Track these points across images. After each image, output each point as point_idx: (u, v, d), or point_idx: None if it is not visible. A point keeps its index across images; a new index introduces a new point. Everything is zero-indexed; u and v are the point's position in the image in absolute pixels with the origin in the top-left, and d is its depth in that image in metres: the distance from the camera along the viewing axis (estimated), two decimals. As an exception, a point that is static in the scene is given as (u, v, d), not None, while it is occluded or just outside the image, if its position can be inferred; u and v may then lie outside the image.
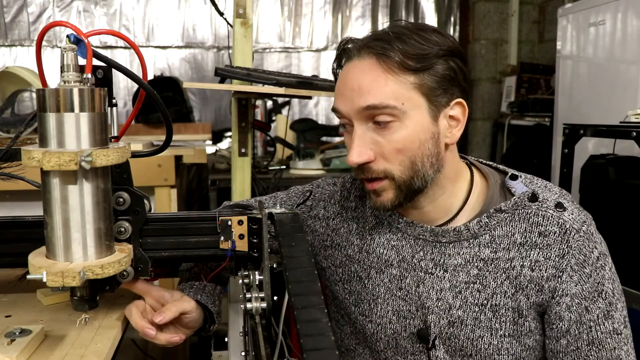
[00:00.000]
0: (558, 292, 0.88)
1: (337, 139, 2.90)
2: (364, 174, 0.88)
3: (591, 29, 2.59)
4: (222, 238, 0.88)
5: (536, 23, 4.06)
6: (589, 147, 2.38)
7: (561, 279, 0.88)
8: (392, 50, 0.83)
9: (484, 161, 1.01)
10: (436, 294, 0.92)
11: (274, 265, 0.84)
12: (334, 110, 0.90)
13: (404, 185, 0.87)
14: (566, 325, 0.88)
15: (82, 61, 0.71)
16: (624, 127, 1.79)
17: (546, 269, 0.88)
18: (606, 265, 0.90)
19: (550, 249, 0.88)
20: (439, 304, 0.92)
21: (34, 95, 1.83)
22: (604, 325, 0.88)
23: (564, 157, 1.99)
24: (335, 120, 4.11)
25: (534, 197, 0.90)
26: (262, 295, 0.82)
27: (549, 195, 0.91)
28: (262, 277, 0.83)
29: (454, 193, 0.93)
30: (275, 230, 0.84)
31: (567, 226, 0.88)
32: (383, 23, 4.14)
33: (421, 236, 0.94)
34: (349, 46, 0.89)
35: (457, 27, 4.22)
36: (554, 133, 2.88)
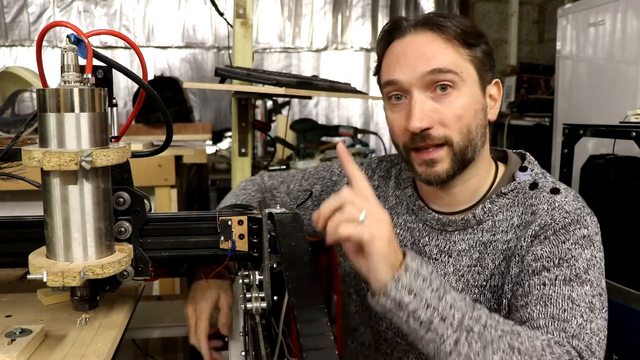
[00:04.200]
0: (528, 255, 0.86)
1: (337, 139, 2.89)
2: (423, 141, 0.88)
3: (591, 29, 2.59)
4: (222, 238, 0.89)
5: (536, 23, 4.06)
6: (588, 147, 2.38)
7: (532, 244, 0.86)
8: (450, 24, 0.89)
9: (516, 151, 1.04)
10: None
11: (274, 265, 0.84)
12: (386, 84, 0.92)
13: (459, 154, 0.89)
14: (518, 278, 0.86)
15: (82, 61, 0.71)
16: (623, 127, 1.79)
17: (526, 239, 0.87)
18: (587, 249, 0.85)
19: (536, 222, 0.88)
20: None
21: (34, 95, 1.83)
22: (560, 288, 0.81)
23: (564, 157, 1.99)
24: (335, 120, 4.12)
25: (533, 185, 0.93)
26: (262, 295, 0.82)
27: (548, 184, 0.94)
28: (262, 277, 0.83)
29: (482, 179, 0.97)
30: (275, 230, 0.84)
31: (556, 205, 0.89)
32: (383, 23, 4.14)
33: (428, 222, 0.97)
34: (400, 25, 0.93)
35: (457, 27, 4.22)
36: (554, 133, 2.88)
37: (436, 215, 0.96)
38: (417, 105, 0.87)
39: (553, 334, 0.76)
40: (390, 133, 0.96)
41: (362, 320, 1.06)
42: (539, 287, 0.82)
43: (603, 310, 0.82)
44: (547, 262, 0.84)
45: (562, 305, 0.79)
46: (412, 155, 0.91)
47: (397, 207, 1.03)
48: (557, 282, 0.82)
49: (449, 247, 0.95)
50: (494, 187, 0.97)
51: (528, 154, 1.02)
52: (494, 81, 0.95)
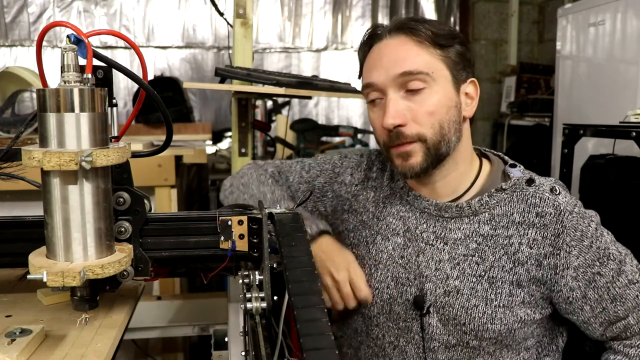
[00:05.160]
0: (559, 267, 0.95)
1: (337, 139, 2.90)
2: (397, 139, 0.95)
3: (591, 29, 2.59)
4: (222, 238, 0.88)
5: (536, 23, 4.06)
6: (588, 147, 2.38)
7: (559, 256, 0.95)
8: (423, 28, 0.95)
9: (494, 151, 1.10)
10: (435, 264, 0.99)
11: (274, 265, 0.84)
12: (365, 86, 1.00)
13: (433, 148, 0.95)
14: (580, 293, 0.95)
15: (82, 61, 0.71)
16: (623, 127, 1.78)
17: (543, 247, 0.95)
18: (604, 232, 0.98)
19: (547, 229, 0.95)
20: (437, 273, 0.98)
21: (34, 95, 1.83)
22: (619, 281, 0.95)
23: (564, 157, 1.99)
24: (335, 120, 4.12)
25: (530, 181, 0.99)
26: (262, 295, 0.82)
27: (544, 181, 1.00)
28: (262, 277, 0.83)
29: (464, 174, 1.02)
30: (275, 230, 0.84)
31: (562, 208, 0.96)
32: (384, 22, 4.15)
33: (426, 210, 1.02)
34: (378, 31, 1.00)
35: (457, 27, 4.22)
36: (554, 133, 2.88)
37: (434, 201, 1.01)
38: (391, 104, 0.95)
39: None
40: (373, 132, 1.03)
41: (352, 308, 1.08)
42: (606, 291, 0.95)
43: (639, 264, 0.99)
44: (592, 268, 0.95)
45: (632, 294, 0.95)
46: (391, 151, 0.98)
47: (391, 198, 1.08)
48: (614, 279, 0.95)
49: (445, 234, 0.99)
50: (479, 181, 1.03)
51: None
52: (469, 80, 1.00)
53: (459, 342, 0.97)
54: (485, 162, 1.06)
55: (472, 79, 1.01)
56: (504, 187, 0.98)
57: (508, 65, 3.94)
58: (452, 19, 4.22)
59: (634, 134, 1.66)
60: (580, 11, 2.68)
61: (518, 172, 1.02)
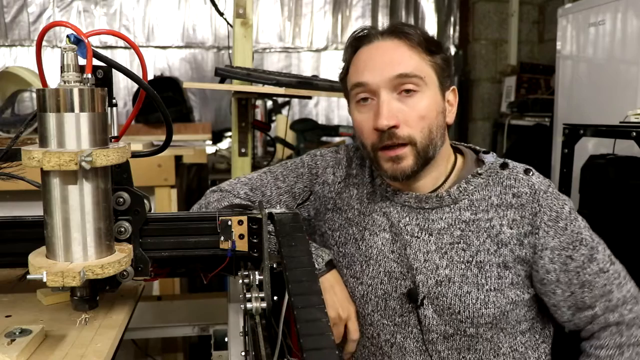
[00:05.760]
0: (538, 247, 0.97)
1: (337, 139, 2.90)
2: (390, 139, 0.95)
3: (591, 29, 2.59)
4: (222, 238, 0.88)
5: (536, 23, 4.06)
6: (589, 147, 2.37)
7: (538, 235, 0.97)
8: (414, 33, 0.98)
9: (463, 144, 1.13)
10: (423, 255, 1.00)
11: (274, 265, 0.84)
12: (355, 85, 0.99)
13: (422, 152, 0.97)
14: (554, 276, 0.98)
15: (82, 61, 0.71)
16: (623, 127, 1.78)
17: (523, 226, 0.97)
18: (578, 217, 1.00)
19: (524, 209, 0.98)
20: (427, 265, 0.99)
21: (34, 95, 1.83)
22: (589, 268, 0.98)
23: (564, 157, 1.99)
24: (335, 120, 4.12)
25: (504, 165, 1.03)
26: (262, 295, 0.82)
27: (518, 165, 1.04)
28: (262, 277, 0.83)
29: (443, 171, 1.05)
30: (275, 230, 0.84)
31: (536, 187, 0.99)
32: (383, 23, 4.14)
33: (407, 203, 1.03)
34: (371, 32, 1.01)
35: (457, 27, 4.22)
36: (554, 133, 2.88)
37: (413, 194, 1.02)
38: (385, 104, 0.95)
39: (610, 310, 0.99)
40: (358, 134, 1.02)
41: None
42: (576, 276, 0.97)
43: (611, 254, 1.01)
44: (566, 251, 0.97)
45: (600, 282, 0.98)
46: (379, 154, 0.98)
47: (373, 195, 1.09)
48: (584, 265, 0.97)
49: (429, 226, 1.01)
50: (455, 172, 1.05)
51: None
52: (451, 88, 1.03)
53: (457, 331, 0.98)
54: (458, 155, 1.09)
55: (453, 86, 1.04)
56: (479, 172, 1.01)
57: (508, 65, 3.94)
58: (452, 19, 4.22)
59: (634, 134, 1.66)
60: (580, 11, 2.68)
61: (491, 158, 1.05)
